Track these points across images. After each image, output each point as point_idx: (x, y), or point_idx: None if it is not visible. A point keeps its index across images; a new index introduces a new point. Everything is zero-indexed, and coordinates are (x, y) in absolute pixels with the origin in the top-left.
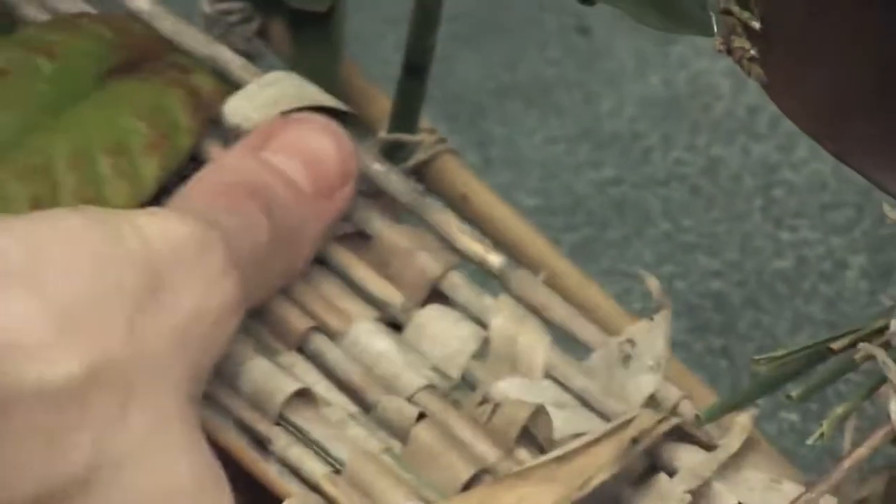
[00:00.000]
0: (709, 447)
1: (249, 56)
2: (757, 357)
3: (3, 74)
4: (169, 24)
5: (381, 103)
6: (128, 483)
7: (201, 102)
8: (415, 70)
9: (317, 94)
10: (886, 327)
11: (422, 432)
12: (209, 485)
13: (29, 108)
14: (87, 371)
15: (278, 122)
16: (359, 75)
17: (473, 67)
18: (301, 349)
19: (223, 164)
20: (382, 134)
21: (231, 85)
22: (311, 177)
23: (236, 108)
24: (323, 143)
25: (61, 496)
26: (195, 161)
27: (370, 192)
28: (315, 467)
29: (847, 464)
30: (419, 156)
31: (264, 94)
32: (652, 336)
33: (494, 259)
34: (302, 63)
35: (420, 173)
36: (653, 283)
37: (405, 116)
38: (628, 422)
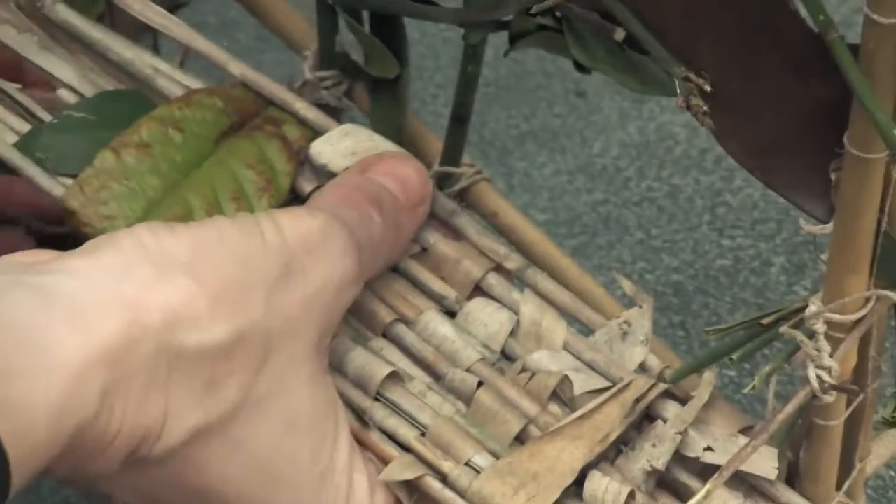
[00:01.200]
0: (684, 400)
1: (339, 110)
2: (707, 329)
3: (147, 146)
4: (264, 85)
5: (435, 145)
6: (265, 413)
7: (292, 150)
8: (459, 121)
9: (383, 143)
10: (802, 309)
11: (482, 395)
12: (323, 409)
13: (167, 170)
14: (232, 336)
15: (374, 157)
16: (419, 124)
17: (501, 119)
18: (385, 334)
19: (343, 179)
20: (436, 167)
21: (313, 131)
22: (403, 192)
23: (321, 151)
24: (409, 171)
25: (217, 424)
26: (294, 194)
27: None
28: (407, 432)
29: (781, 417)
30: (462, 183)
31: (343, 143)
32: (641, 318)
33: (512, 261)
34: (377, 115)
35: (463, 195)
36: (627, 284)
37: (452, 154)
38: (627, 385)
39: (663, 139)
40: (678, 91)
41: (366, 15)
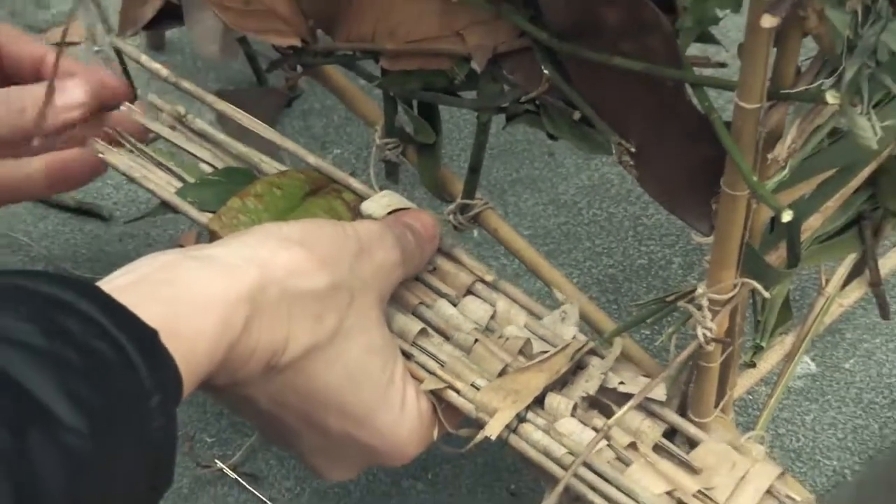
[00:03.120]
0: (604, 356)
1: (396, 164)
2: (631, 304)
3: (260, 196)
4: (329, 168)
5: (458, 186)
6: (352, 340)
7: (349, 206)
8: (473, 171)
9: (409, 203)
10: (692, 291)
11: (477, 348)
12: (387, 341)
13: (273, 211)
14: (330, 285)
15: (402, 212)
16: (448, 173)
17: (500, 170)
18: (413, 312)
19: (388, 218)
20: (459, 200)
21: (360, 196)
22: (423, 229)
23: (367, 207)
24: (427, 217)
25: (321, 344)
26: None
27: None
28: (433, 365)
29: (679, 360)
30: (476, 210)
31: (383, 201)
32: (572, 311)
33: (490, 275)
34: (422, 167)
35: (476, 218)
36: (561, 296)
37: (469, 192)
38: (568, 345)
39: (603, 183)
40: (614, 151)
41: (414, 103)
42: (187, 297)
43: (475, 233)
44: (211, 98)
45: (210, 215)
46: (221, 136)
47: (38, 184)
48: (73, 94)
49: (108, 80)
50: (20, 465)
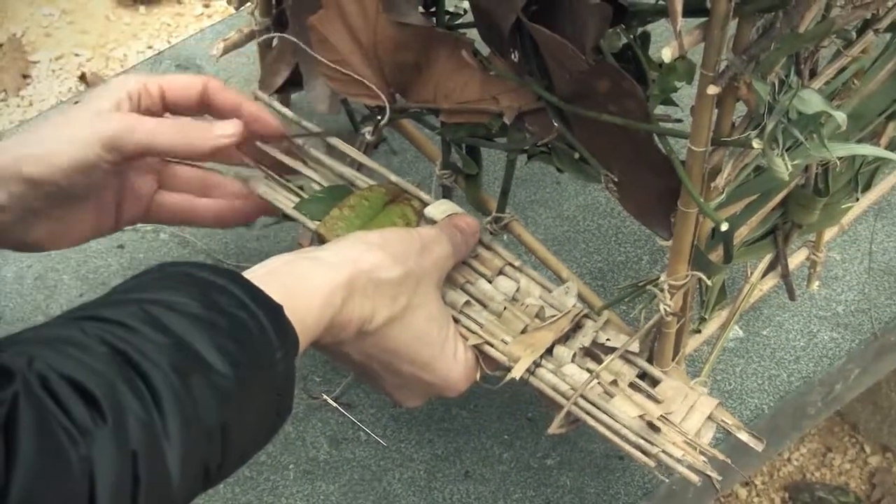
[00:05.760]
0: (595, 320)
1: (450, 188)
2: (615, 288)
3: (353, 207)
4: (403, 183)
5: (493, 203)
6: (419, 312)
7: (416, 211)
8: (504, 194)
9: (457, 208)
10: (657, 279)
11: (506, 314)
12: (444, 313)
13: (363, 218)
14: (402, 275)
15: (455, 215)
16: (486, 195)
17: (523, 193)
18: (461, 288)
19: (443, 221)
20: (493, 214)
21: (425, 203)
22: (468, 228)
23: (429, 211)
24: (471, 220)
25: (397, 316)
26: None
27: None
28: (475, 326)
29: (647, 327)
30: (505, 221)
31: (441, 208)
32: (573, 287)
33: (516, 261)
34: (468, 190)
35: (506, 227)
36: (562, 276)
37: (501, 208)
38: (569, 311)
39: (595, 203)
40: (602, 181)
41: (462, 146)
42: (302, 284)
43: (504, 237)
44: (333, 139)
45: (318, 222)
46: (328, 161)
47: (205, 222)
48: (227, 127)
49: (268, 120)
50: (185, 398)
